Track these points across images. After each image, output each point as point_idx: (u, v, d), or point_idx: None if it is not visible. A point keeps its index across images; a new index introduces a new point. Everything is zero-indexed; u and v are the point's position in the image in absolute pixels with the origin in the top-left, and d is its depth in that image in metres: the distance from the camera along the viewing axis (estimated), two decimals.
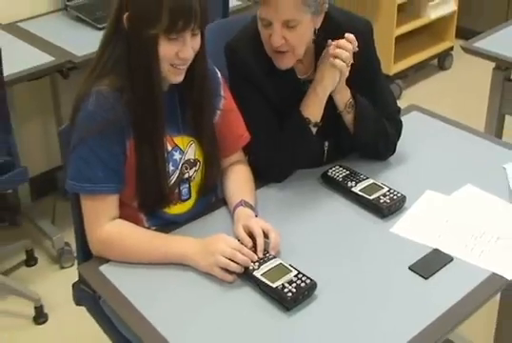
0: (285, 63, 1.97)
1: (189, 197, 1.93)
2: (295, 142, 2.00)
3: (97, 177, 1.76)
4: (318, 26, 1.96)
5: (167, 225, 1.88)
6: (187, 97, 1.85)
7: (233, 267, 1.67)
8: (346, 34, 1.92)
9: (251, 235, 1.74)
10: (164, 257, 1.75)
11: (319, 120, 2.01)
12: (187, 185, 1.91)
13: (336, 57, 1.91)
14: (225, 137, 1.96)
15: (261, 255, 1.70)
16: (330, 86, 1.98)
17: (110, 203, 1.80)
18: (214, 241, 1.72)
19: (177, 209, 1.91)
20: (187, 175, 1.90)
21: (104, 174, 1.76)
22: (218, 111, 1.94)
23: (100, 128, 1.73)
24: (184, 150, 1.88)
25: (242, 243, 1.72)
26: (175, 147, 1.86)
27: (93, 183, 1.76)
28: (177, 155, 1.87)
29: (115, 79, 1.74)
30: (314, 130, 2.01)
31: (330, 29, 1.98)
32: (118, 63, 1.74)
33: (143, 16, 1.68)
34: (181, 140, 1.88)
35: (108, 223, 1.78)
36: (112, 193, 1.79)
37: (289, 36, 1.89)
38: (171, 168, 1.85)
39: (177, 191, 1.89)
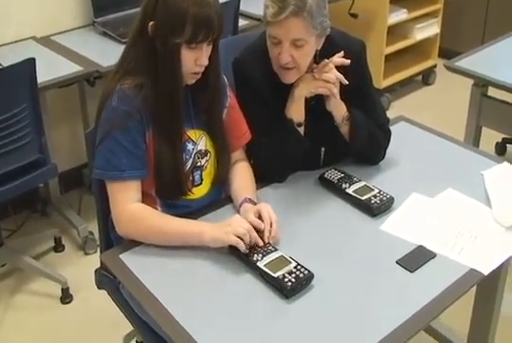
0: (289, 78, 1.95)
1: (201, 183, 1.92)
2: (285, 140, 1.98)
3: (122, 165, 1.75)
4: (320, 46, 1.94)
5: (180, 215, 1.84)
6: (200, 95, 1.84)
7: (241, 247, 1.66)
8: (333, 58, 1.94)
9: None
10: (184, 235, 1.74)
11: (301, 120, 1.99)
12: (200, 172, 1.90)
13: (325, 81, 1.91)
14: (229, 134, 1.95)
15: (267, 241, 1.70)
16: (304, 92, 1.96)
17: (135, 188, 1.78)
18: (229, 222, 1.71)
19: (191, 194, 1.89)
20: (199, 164, 1.89)
21: (128, 162, 1.75)
22: (225, 109, 1.94)
23: (122, 121, 1.73)
24: (196, 141, 1.88)
25: (253, 225, 1.71)
26: (188, 139, 1.86)
27: (119, 170, 1.75)
28: (190, 146, 1.86)
29: (136, 78, 1.74)
30: (300, 129, 1.99)
31: (328, 48, 1.96)
32: (140, 64, 1.75)
33: (168, 27, 1.68)
34: (193, 133, 1.87)
35: (132, 204, 1.77)
36: (136, 179, 1.78)
37: (296, 54, 1.87)
38: (185, 157, 1.85)
39: (191, 178, 1.88)
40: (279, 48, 1.88)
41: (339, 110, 2.00)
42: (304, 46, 1.86)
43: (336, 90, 1.93)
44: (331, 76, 1.91)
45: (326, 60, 1.94)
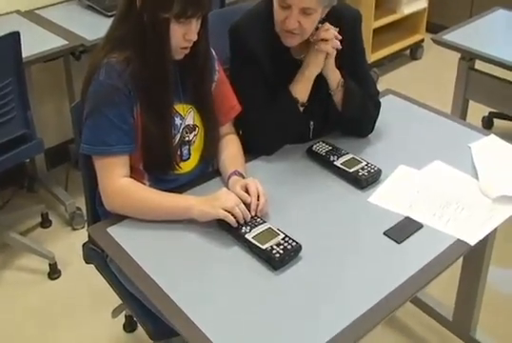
0: (291, 42, 1.95)
1: (189, 158, 1.91)
2: (284, 118, 1.99)
3: (110, 140, 1.74)
4: (324, 15, 1.95)
5: (168, 190, 1.84)
6: (189, 71, 1.83)
7: (231, 220, 1.65)
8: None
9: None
10: (172, 210, 1.73)
11: (305, 101, 2.00)
12: (188, 147, 1.89)
13: (323, 40, 1.91)
14: (218, 108, 1.94)
15: (253, 214, 1.70)
16: (316, 70, 1.98)
17: (123, 163, 1.77)
18: (217, 195, 1.71)
19: (179, 169, 1.88)
20: (187, 139, 1.88)
21: (116, 137, 1.74)
22: (213, 83, 1.93)
23: (109, 95, 1.71)
24: (184, 116, 1.86)
25: (241, 198, 1.71)
26: (176, 113, 1.84)
27: (107, 145, 1.74)
28: (178, 121, 1.85)
29: (124, 52, 1.72)
30: (301, 109, 2.00)
31: (328, 14, 1.97)
32: (128, 38, 1.72)
33: (156, 1, 1.66)
34: (181, 107, 1.86)
35: (121, 179, 1.76)
36: (124, 154, 1.77)
37: (303, 22, 1.88)
38: (173, 132, 1.83)
39: (179, 152, 1.87)
40: (287, 12, 1.87)
41: (334, 74, 2.00)
42: (312, 14, 1.87)
43: (333, 53, 1.94)
44: (329, 34, 1.92)
45: (327, 23, 1.95)
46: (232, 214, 1.66)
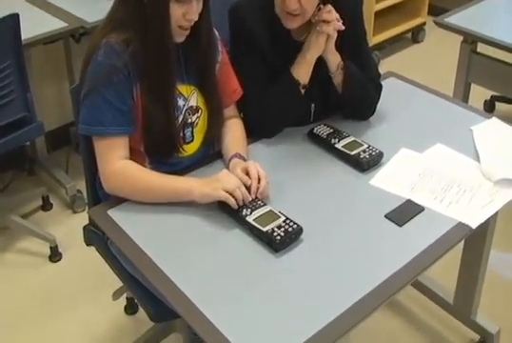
0: (292, 24, 1.93)
1: (192, 140, 1.90)
2: (285, 100, 1.98)
3: (108, 121, 1.72)
4: None
5: (169, 172, 1.83)
6: (192, 53, 1.81)
7: (231, 202, 1.65)
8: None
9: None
10: (172, 192, 1.72)
11: (306, 83, 1.99)
12: (191, 129, 1.88)
13: (325, 22, 1.89)
14: (221, 90, 1.93)
15: (253, 196, 1.69)
16: (317, 52, 1.96)
17: (122, 145, 1.76)
18: (218, 177, 1.70)
19: (181, 152, 1.87)
20: (190, 121, 1.87)
21: (114, 118, 1.72)
22: (217, 64, 1.91)
23: (108, 75, 1.70)
24: (187, 97, 1.85)
25: (241, 181, 1.70)
26: (179, 94, 1.83)
27: (105, 126, 1.73)
28: (181, 102, 1.84)
29: (124, 33, 1.71)
30: (302, 91, 1.99)
31: None
32: (128, 19, 1.71)
33: None
34: (185, 89, 1.84)
35: (120, 160, 1.75)
36: (123, 135, 1.76)
37: (304, 2, 1.85)
38: (176, 113, 1.82)
39: (182, 135, 1.86)
40: None
41: (334, 57, 1.99)
42: None
43: (334, 34, 1.92)
44: (331, 15, 1.90)
45: (329, 5, 1.93)
46: (233, 196, 1.66)
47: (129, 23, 1.71)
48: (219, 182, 1.68)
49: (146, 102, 1.75)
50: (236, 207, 1.66)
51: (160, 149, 1.84)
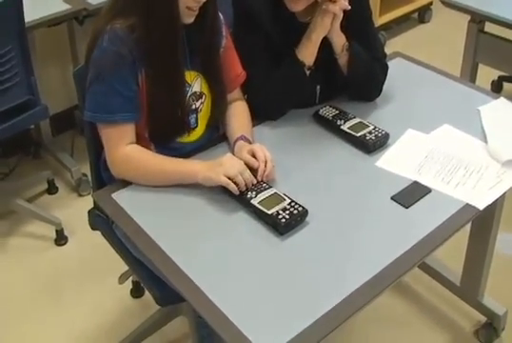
0: (297, 7, 1.91)
1: (196, 126, 1.88)
2: (291, 82, 1.96)
3: (114, 107, 1.71)
4: None
5: (174, 156, 1.82)
6: (196, 36, 1.79)
7: (232, 188, 1.64)
8: None
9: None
10: (177, 175, 1.72)
11: (312, 64, 1.97)
12: (195, 115, 1.86)
13: (331, 1, 1.86)
14: (225, 74, 1.91)
15: (260, 179, 1.68)
16: (322, 33, 1.93)
17: (128, 130, 1.75)
18: (221, 161, 1.69)
19: (186, 137, 1.86)
20: (194, 107, 1.85)
21: (120, 105, 1.71)
22: (221, 49, 1.89)
23: (113, 62, 1.68)
24: (190, 83, 1.83)
25: (248, 164, 1.69)
26: None
27: (111, 113, 1.72)
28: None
29: (129, 18, 1.68)
30: (307, 72, 1.96)
31: None
32: (133, 4, 1.67)
33: None
34: (188, 75, 1.82)
35: (126, 146, 1.75)
36: (129, 122, 1.75)
37: None
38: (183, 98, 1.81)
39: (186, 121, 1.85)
40: None
41: (339, 38, 1.96)
42: None
43: (340, 14, 1.89)
44: None
45: None
46: (235, 182, 1.65)
47: (133, 8, 1.67)
48: (221, 166, 1.67)
49: (150, 88, 1.73)
50: (237, 193, 1.65)
51: (163, 134, 1.83)
